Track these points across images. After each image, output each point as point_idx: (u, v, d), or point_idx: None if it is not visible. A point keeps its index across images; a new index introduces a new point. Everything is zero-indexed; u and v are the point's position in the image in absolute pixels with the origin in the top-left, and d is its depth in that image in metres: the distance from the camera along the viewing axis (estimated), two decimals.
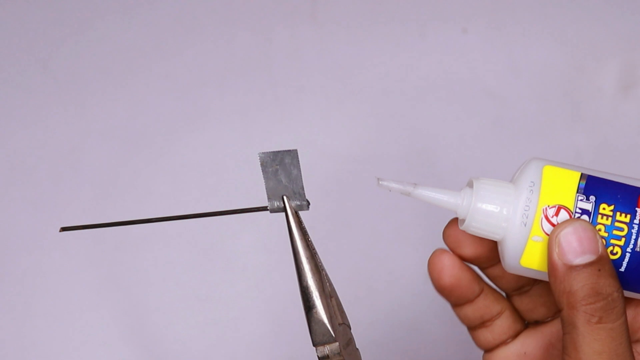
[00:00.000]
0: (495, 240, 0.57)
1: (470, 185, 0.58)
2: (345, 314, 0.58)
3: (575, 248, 0.54)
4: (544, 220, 0.55)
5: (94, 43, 0.97)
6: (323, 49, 0.96)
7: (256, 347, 0.89)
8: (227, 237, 0.92)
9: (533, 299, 0.63)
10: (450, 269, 0.60)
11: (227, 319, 0.90)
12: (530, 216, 0.55)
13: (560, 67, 0.95)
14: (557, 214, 0.55)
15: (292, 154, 0.57)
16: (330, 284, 0.58)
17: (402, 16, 0.96)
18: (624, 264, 0.55)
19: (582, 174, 0.56)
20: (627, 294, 0.56)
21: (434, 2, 0.96)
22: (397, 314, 0.90)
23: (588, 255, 0.53)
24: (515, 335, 0.63)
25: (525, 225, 0.55)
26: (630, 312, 0.58)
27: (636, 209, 0.55)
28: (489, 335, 0.63)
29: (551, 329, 0.63)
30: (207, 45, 0.96)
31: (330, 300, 0.57)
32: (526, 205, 0.55)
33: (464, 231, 0.59)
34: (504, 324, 0.63)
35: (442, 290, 0.61)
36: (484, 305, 0.62)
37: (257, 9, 0.97)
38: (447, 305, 0.64)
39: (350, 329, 0.58)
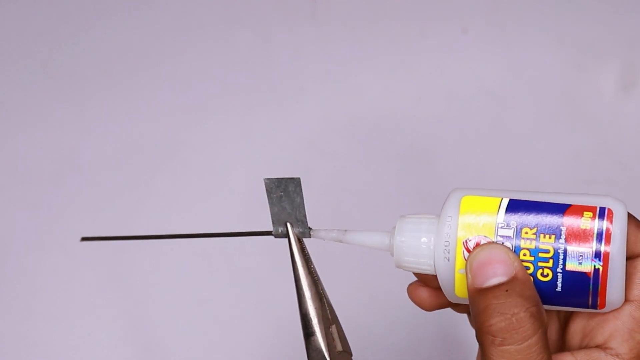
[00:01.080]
0: (430, 274, 0.57)
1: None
2: (346, 340, 0.58)
3: (486, 272, 0.53)
4: (465, 252, 0.55)
5: (94, 43, 0.97)
6: (323, 49, 0.96)
7: (257, 349, 0.90)
8: (228, 239, 0.92)
9: None
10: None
11: (228, 321, 0.90)
12: (452, 251, 0.55)
13: (560, 67, 0.95)
14: (478, 245, 0.55)
15: (296, 181, 0.57)
16: (332, 311, 0.58)
17: (402, 16, 0.96)
18: (559, 284, 0.54)
19: (502, 199, 0.55)
20: (573, 309, 0.56)
21: (434, 2, 0.96)
22: (396, 314, 0.90)
23: (498, 277, 0.53)
24: None
25: (448, 260, 0.55)
26: (582, 321, 0.57)
27: (561, 227, 0.54)
28: None
29: None
30: (207, 45, 0.97)
31: (331, 328, 0.58)
32: (446, 241, 0.55)
33: (423, 287, 0.60)
34: None
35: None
36: None
37: (257, 9, 0.97)
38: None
39: (351, 355, 0.58)
